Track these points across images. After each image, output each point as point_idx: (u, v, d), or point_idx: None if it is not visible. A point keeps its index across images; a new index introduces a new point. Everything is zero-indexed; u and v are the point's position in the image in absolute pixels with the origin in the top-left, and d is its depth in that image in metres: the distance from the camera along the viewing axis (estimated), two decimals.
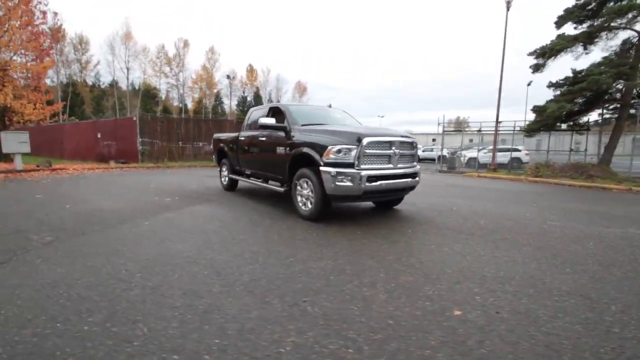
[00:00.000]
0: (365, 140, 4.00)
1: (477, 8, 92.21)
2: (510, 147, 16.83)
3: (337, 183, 3.97)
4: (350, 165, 4.00)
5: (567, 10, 11.55)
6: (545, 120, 11.57)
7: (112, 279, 2.50)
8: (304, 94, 65.44)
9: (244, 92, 58.90)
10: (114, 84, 45.33)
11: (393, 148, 4.28)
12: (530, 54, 12.34)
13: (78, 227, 3.98)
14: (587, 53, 12.56)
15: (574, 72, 10.94)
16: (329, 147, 4.03)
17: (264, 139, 5.49)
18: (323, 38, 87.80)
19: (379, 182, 4.11)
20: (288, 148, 4.76)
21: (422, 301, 2.19)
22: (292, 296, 2.24)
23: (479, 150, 16.91)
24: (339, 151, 4.00)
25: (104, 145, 16.73)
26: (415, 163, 4.74)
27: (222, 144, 7.29)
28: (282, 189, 5.00)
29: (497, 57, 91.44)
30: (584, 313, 2.07)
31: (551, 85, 11.59)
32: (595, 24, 11.75)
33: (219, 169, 7.87)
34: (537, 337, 1.80)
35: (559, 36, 12.03)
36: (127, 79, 44.70)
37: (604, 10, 11.05)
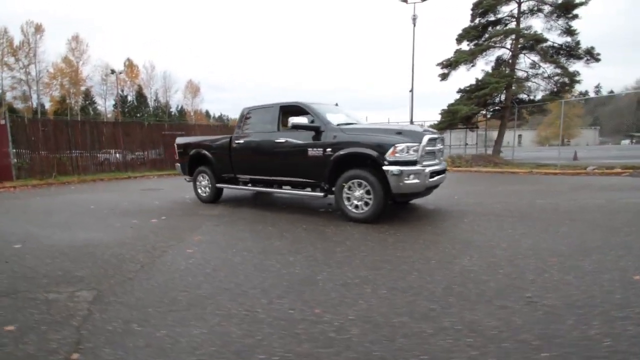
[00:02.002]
0: (425, 138, 4.09)
1: (378, 20, 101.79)
2: None
3: (406, 181, 3.93)
4: (414, 162, 4.02)
5: (464, 30, 14.18)
6: (454, 120, 13.92)
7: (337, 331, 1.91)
8: (197, 95, 60.68)
9: (122, 91, 50.54)
10: None
11: (438, 144, 4.50)
12: (438, 64, 14.64)
13: (102, 271, 2.83)
14: (473, 66, 15.66)
15: (477, 80, 13.53)
16: (395, 146, 3.96)
17: (282, 140, 4.95)
18: (214, 34, 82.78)
19: (435, 178, 4.28)
20: (329, 149, 4.43)
21: (607, 274, 2.43)
22: (511, 295, 2.17)
23: None
24: (404, 149, 3.97)
25: None
26: (442, 158, 5.09)
27: (198, 150, 6.21)
28: (321, 194, 4.62)
29: (378, 66, 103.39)
30: None
31: (460, 90, 14.05)
32: (480, 42, 14.77)
33: (187, 178, 6.69)
34: None
35: (457, 51, 14.64)
36: None
37: (489, 32, 14.00)
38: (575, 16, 12.73)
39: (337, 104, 5.89)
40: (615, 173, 9.34)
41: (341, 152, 4.30)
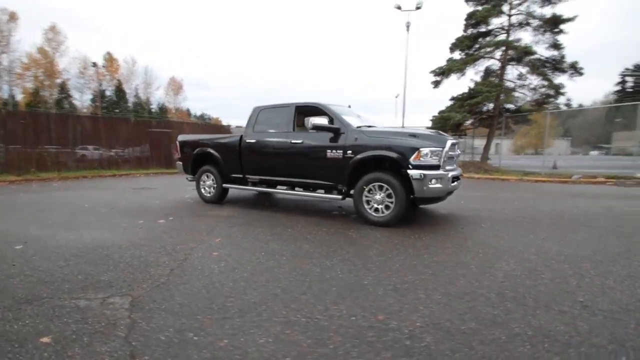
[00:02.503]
0: (448, 143, 4.12)
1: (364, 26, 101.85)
2: None
3: (430, 185, 3.94)
4: (437, 167, 4.03)
5: (458, 39, 14.57)
6: (446, 126, 14.21)
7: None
8: (179, 92, 59.19)
9: (100, 85, 48.39)
10: None
11: (457, 150, 4.55)
12: (432, 72, 14.95)
13: (129, 275, 2.64)
14: (462, 75, 16.09)
15: (470, 89, 13.91)
16: (420, 150, 3.96)
17: (298, 141, 4.85)
18: (207, 33, 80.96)
19: (454, 183, 4.31)
20: (350, 151, 4.38)
21: None
22: (564, 300, 2.18)
23: None
24: (428, 153, 3.98)
25: None
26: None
27: (203, 149, 5.99)
28: (339, 196, 4.56)
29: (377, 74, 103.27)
30: None
31: (453, 98, 14.40)
32: (471, 52, 15.22)
33: (189, 177, 6.44)
34: None
35: (450, 59, 15.00)
36: None
37: (480, 42, 14.46)
38: (561, 31, 13.37)
39: (349, 106, 5.84)
40: (600, 182, 9.81)
41: (363, 155, 4.26)
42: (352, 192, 4.48)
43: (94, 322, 1.93)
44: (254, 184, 5.54)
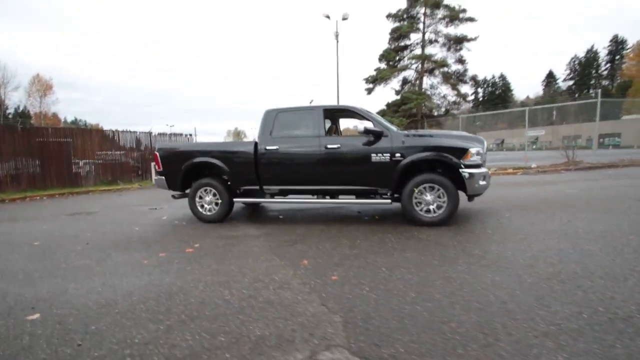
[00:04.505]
0: (485, 142, 4.50)
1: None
2: None
3: (480, 182, 4.23)
4: (480, 165, 4.36)
5: (385, 51, 16.00)
6: None
7: None
8: (48, 94, 48.28)
9: None
10: None
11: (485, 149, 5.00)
12: (365, 79, 16.04)
13: (294, 326, 2.06)
14: (387, 84, 17.78)
15: (402, 96, 15.39)
16: (470, 150, 4.20)
17: (335, 145, 4.55)
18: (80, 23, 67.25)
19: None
20: (398, 154, 4.34)
21: None
22: None
23: None
24: (475, 153, 4.26)
25: None
26: None
27: (199, 159, 5.05)
28: (388, 201, 4.46)
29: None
30: None
31: (388, 105, 15.70)
32: (394, 63, 16.91)
33: (177, 194, 5.38)
34: None
35: (378, 69, 16.34)
36: None
37: (400, 55, 16.17)
38: (462, 47, 16.10)
39: (312, 101, 5.79)
40: (511, 173, 12.13)
41: (415, 157, 4.28)
42: (397, 195, 4.47)
43: None
44: (272, 195, 4.97)
